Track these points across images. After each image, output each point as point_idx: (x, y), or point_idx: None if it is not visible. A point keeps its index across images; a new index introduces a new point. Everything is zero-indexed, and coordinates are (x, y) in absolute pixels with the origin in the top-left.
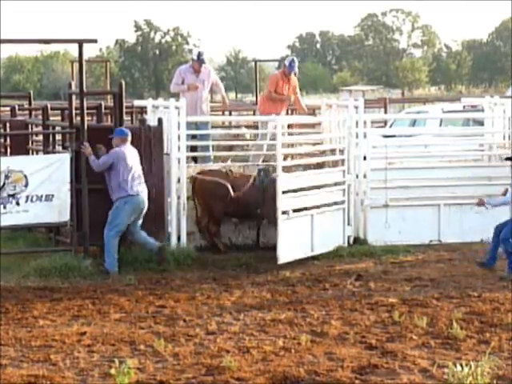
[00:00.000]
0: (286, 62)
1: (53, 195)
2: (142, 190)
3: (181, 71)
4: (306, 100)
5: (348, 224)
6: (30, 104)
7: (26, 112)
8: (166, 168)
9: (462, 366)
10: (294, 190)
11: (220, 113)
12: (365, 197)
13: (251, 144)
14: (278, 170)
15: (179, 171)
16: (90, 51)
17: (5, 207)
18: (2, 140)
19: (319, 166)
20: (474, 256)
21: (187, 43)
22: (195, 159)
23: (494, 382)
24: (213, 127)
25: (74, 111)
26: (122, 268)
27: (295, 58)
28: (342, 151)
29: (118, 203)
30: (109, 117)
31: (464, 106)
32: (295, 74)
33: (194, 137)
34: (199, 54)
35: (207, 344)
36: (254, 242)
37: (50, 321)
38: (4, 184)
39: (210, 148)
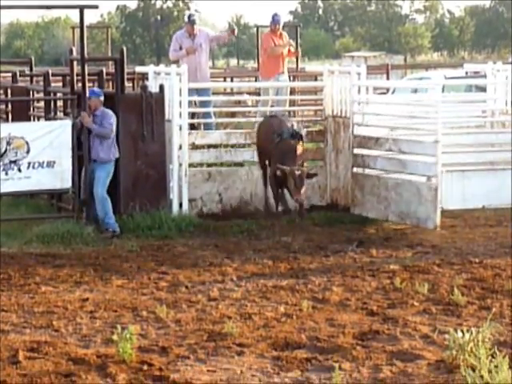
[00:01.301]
0: (270, 19)
1: (54, 162)
2: None
3: (177, 37)
4: (307, 66)
5: None
6: (31, 70)
7: (28, 78)
8: (168, 135)
9: (462, 332)
10: None
11: (222, 79)
12: None
13: (254, 110)
14: (439, 134)
15: (181, 138)
16: (91, 17)
17: (6, 173)
18: (4, 106)
19: None
20: (476, 222)
21: (188, 9)
22: (193, 126)
23: (495, 347)
24: (214, 94)
25: (75, 77)
26: (124, 235)
27: (277, 12)
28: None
29: (108, 166)
30: (110, 83)
31: (466, 72)
32: (283, 28)
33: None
34: (189, 16)
35: (209, 310)
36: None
37: (52, 287)
38: (6, 150)
39: (213, 114)
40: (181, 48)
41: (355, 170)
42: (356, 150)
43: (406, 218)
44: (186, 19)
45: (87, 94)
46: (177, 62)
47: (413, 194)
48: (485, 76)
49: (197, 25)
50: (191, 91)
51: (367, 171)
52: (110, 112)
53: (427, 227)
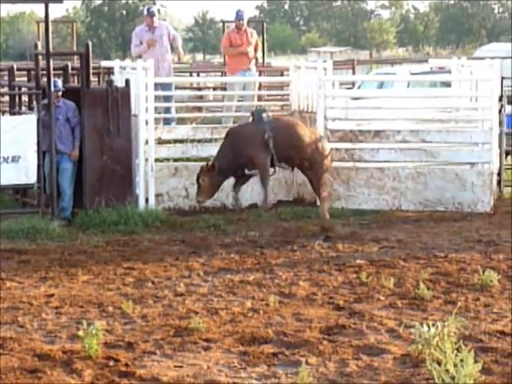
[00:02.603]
0: (234, 15)
1: (19, 156)
2: None
3: (136, 33)
4: (274, 61)
5: None
6: None
7: None
8: (134, 130)
9: (428, 326)
10: None
11: (188, 74)
12: None
13: (220, 105)
14: (494, 122)
15: (147, 133)
16: (56, 11)
17: None
18: None
19: None
20: (441, 217)
21: (154, 3)
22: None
23: (461, 341)
24: (180, 88)
25: (40, 72)
26: (89, 230)
27: (241, 8)
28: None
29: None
30: (75, 78)
31: (431, 68)
32: (248, 24)
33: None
34: (148, 8)
35: (176, 305)
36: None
37: (17, 283)
38: None
39: (173, 109)
40: (141, 43)
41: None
42: (336, 145)
43: (435, 205)
44: (145, 12)
45: (52, 88)
46: (140, 57)
47: (447, 181)
48: (449, 71)
49: (156, 17)
50: (155, 86)
51: (357, 164)
52: (72, 103)
53: (475, 211)
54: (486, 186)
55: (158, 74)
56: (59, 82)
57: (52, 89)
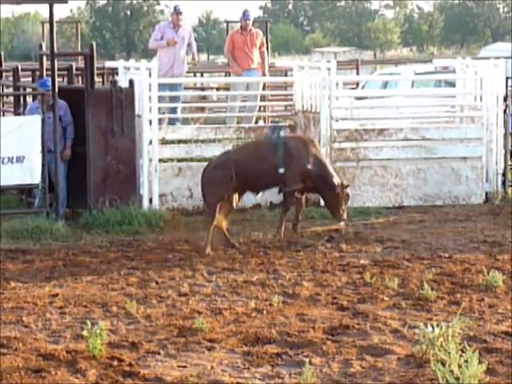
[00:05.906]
0: (241, 15)
1: (24, 157)
2: None
3: (160, 27)
4: (277, 61)
5: None
6: (0, 65)
7: None
8: (138, 130)
9: (432, 326)
10: None
11: (192, 74)
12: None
13: (224, 105)
14: (485, 119)
15: (151, 133)
16: (60, 12)
17: None
18: None
19: None
20: (445, 218)
21: (158, 4)
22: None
23: (465, 342)
24: (184, 89)
25: (44, 72)
26: (93, 230)
27: (247, 9)
28: None
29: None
30: (80, 78)
31: (436, 68)
32: (253, 24)
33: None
34: (175, 6)
35: (179, 306)
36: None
37: (21, 283)
38: None
39: (179, 110)
40: (162, 38)
41: (339, 164)
42: (342, 145)
43: (433, 199)
44: (171, 10)
45: (38, 86)
46: (149, 55)
47: (444, 176)
48: (454, 71)
49: (182, 15)
50: (163, 86)
51: (361, 163)
52: (63, 102)
53: (470, 203)
54: (478, 179)
55: (171, 73)
56: (49, 82)
57: (41, 88)
